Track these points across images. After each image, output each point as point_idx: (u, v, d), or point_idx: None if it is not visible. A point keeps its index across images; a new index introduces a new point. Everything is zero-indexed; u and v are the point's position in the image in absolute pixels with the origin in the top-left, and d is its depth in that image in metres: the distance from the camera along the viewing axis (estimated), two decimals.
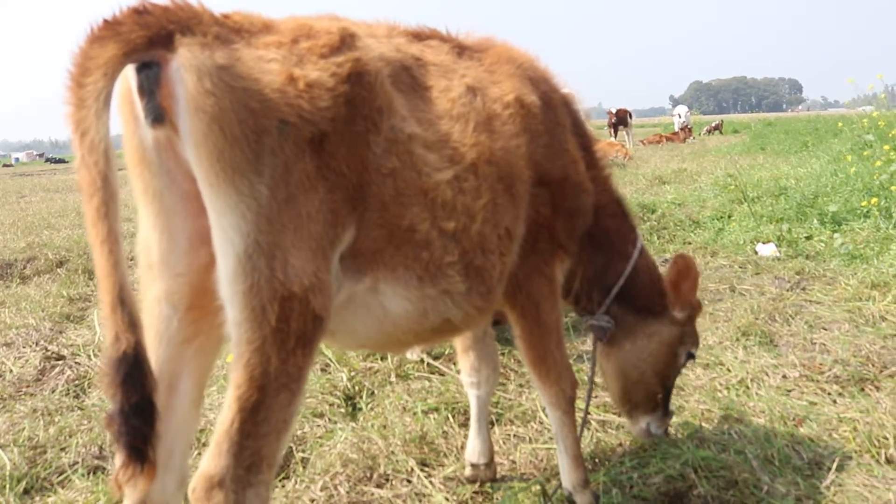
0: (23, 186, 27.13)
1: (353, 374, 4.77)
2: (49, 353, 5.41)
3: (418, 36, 2.75)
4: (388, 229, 2.24)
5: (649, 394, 3.41)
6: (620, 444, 3.80)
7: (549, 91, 3.02)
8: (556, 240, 2.98)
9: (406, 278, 2.34)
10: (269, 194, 1.90)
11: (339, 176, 2.05)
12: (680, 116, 39.21)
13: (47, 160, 33.83)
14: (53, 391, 4.74)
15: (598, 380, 4.61)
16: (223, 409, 1.93)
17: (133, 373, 1.77)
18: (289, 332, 1.93)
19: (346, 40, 2.15)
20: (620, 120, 33.95)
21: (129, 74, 1.87)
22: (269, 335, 1.90)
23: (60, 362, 5.27)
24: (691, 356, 3.47)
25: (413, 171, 2.28)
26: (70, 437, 3.97)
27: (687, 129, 37.72)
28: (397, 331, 2.46)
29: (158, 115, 1.85)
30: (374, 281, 2.28)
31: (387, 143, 2.20)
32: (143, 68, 1.84)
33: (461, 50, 2.84)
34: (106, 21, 1.80)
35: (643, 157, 24.08)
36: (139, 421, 1.77)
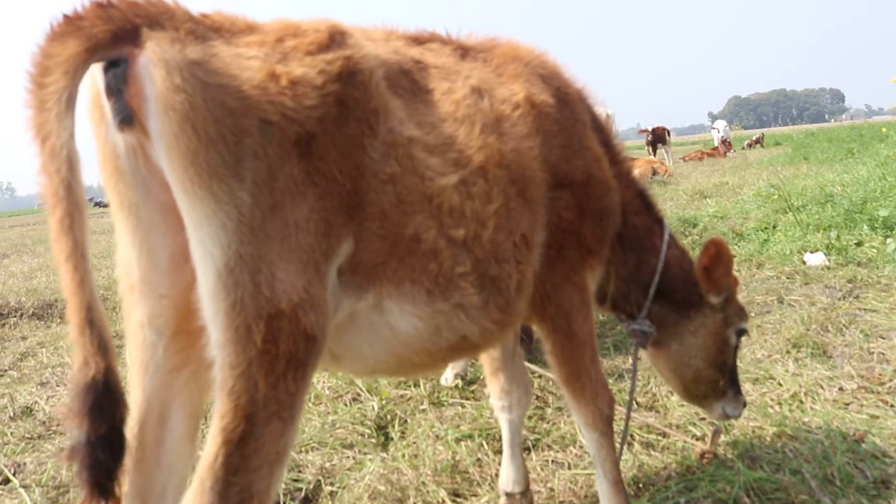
0: None
1: (384, 402, 4.61)
2: None
3: (417, 39, 2.61)
4: (390, 240, 2.07)
5: (711, 384, 3.25)
6: (665, 467, 3.56)
7: (562, 87, 2.85)
8: (585, 245, 2.79)
9: (414, 293, 2.17)
10: (252, 201, 1.74)
11: (331, 181, 1.89)
12: (719, 131, 38.60)
13: (96, 204, 34.34)
14: None
15: (639, 399, 4.39)
16: (207, 443, 1.75)
17: (102, 400, 1.60)
18: (277, 355, 1.76)
19: (335, 38, 2.01)
20: (658, 138, 33.47)
21: (96, 75, 1.73)
22: (256, 358, 1.73)
23: (67, 398, 5.19)
24: (743, 332, 3.30)
25: (415, 176, 2.12)
26: None
27: (727, 143, 37.06)
28: (409, 352, 2.28)
29: (126, 116, 1.70)
30: (378, 297, 2.11)
31: (385, 147, 2.04)
32: (110, 67, 1.70)
33: (464, 51, 2.69)
34: (66, 16, 1.66)
35: (683, 174, 23.64)
36: (106, 454, 1.60)
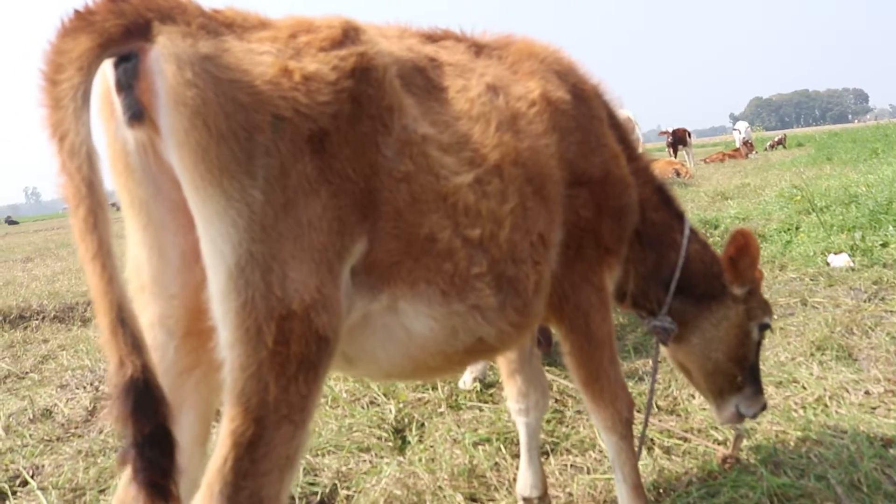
0: None
1: (401, 405, 4.58)
2: (100, 394, 5.41)
3: (431, 37, 2.58)
4: (405, 239, 2.04)
5: (729, 378, 3.18)
6: (686, 472, 3.49)
7: (578, 83, 2.80)
8: (603, 244, 2.75)
9: (429, 294, 2.13)
10: (264, 199, 1.71)
11: (345, 180, 1.86)
12: (740, 132, 38.23)
13: (119, 208, 34.55)
14: (101, 432, 4.68)
15: (660, 403, 4.33)
16: (216, 446, 1.72)
17: (143, 400, 1.56)
18: (288, 356, 1.73)
19: (349, 34, 1.97)
20: (679, 139, 33.25)
21: (106, 70, 1.71)
22: (266, 359, 1.70)
23: (108, 400, 5.21)
24: (766, 327, 3.24)
25: (430, 174, 2.08)
26: (111, 478, 3.86)
27: (748, 145, 36.70)
28: (424, 354, 2.24)
29: (136, 111, 1.68)
30: (393, 298, 2.07)
31: (399, 145, 2.01)
32: (120, 62, 1.68)
33: (479, 49, 2.66)
34: (77, 12, 1.64)
35: (705, 176, 23.43)
36: (156, 453, 1.55)
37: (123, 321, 1.58)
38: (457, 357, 2.36)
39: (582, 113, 2.71)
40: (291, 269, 1.74)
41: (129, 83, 1.67)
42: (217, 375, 1.88)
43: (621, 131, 3.01)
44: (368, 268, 2.00)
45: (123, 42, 1.65)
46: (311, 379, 1.79)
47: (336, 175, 1.84)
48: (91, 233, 1.57)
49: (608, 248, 2.77)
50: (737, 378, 3.17)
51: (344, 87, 1.87)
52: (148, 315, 1.90)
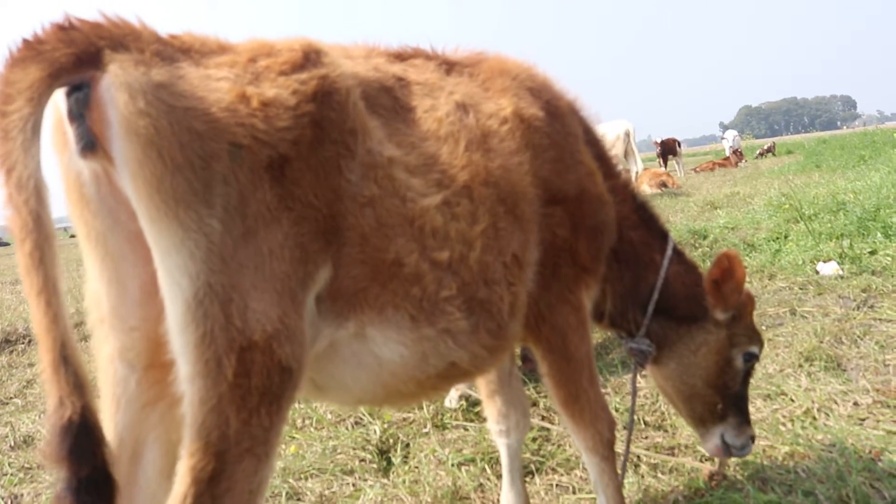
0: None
1: (386, 425, 4.52)
2: None
3: (400, 56, 2.54)
4: (370, 265, 1.99)
5: (709, 405, 3.05)
6: (672, 490, 3.44)
7: (552, 100, 2.76)
8: (580, 263, 2.70)
9: (397, 319, 2.08)
10: (223, 229, 1.67)
11: (307, 206, 1.82)
12: (729, 141, 38.39)
13: (69, 234, 34.52)
14: None
15: (647, 418, 4.27)
16: (176, 482, 1.68)
17: (81, 442, 1.51)
18: (250, 388, 1.69)
19: (310, 57, 1.94)
20: (669, 149, 33.38)
21: (58, 100, 1.67)
22: (227, 392, 1.66)
23: (44, 441, 5.14)
24: (752, 356, 3.07)
25: (395, 198, 2.04)
26: None
27: (738, 153, 36.83)
28: (395, 380, 2.19)
29: (89, 141, 1.64)
30: (360, 325, 2.03)
31: (363, 169, 1.97)
32: (72, 91, 1.64)
33: (450, 66, 2.62)
34: (26, 41, 1.60)
35: (694, 185, 23.48)
36: (92, 498, 1.51)
37: (66, 359, 1.54)
38: (430, 383, 2.31)
39: (556, 130, 2.67)
40: (252, 300, 1.70)
41: (81, 113, 1.64)
42: (180, 409, 1.82)
43: (598, 148, 2.98)
44: (334, 295, 1.95)
45: (74, 71, 1.62)
46: (273, 411, 1.75)
47: (297, 202, 1.81)
48: (37, 268, 1.54)
49: (585, 266, 2.72)
50: (717, 406, 3.04)
51: (304, 111, 1.84)
52: (108, 348, 1.86)
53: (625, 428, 3.42)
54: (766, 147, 45.83)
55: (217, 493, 1.66)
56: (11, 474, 4.39)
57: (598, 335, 5.78)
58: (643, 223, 3.12)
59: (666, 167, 31.63)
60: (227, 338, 1.66)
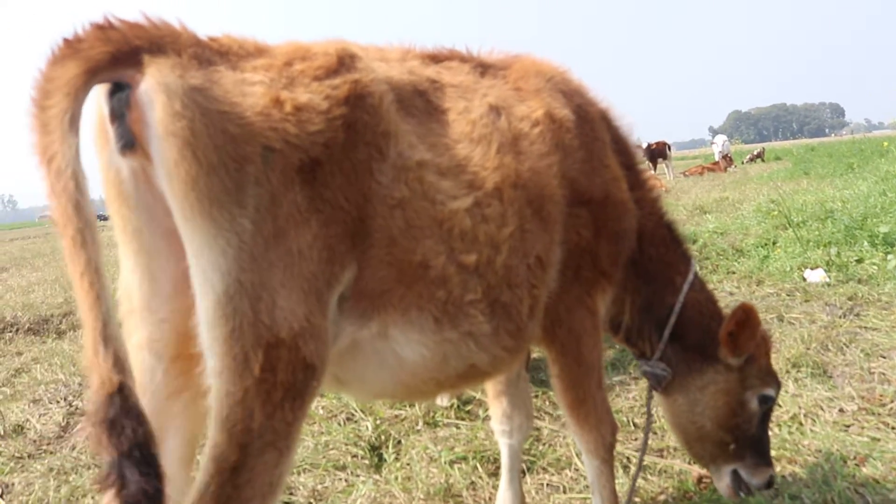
0: None
1: (378, 422, 4.55)
2: (73, 410, 5.33)
3: (435, 58, 2.57)
4: (397, 267, 2.03)
5: (719, 446, 2.95)
6: (662, 492, 3.50)
7: (583, 104, 2.79)
8: (600, 267, 2.72)
9: (421, 321, 2.12)
10: (254, 229, 1.73)
11: (336, 208, 1.87)
12: (718, 146, 38.57)
13: (97, 217, 34.17)
14: (73, 448, 4.61)
15: (636, 420, 4.33)
16: (199, 471, 1.73)
17: (119, 418, 1.54)
18: (275, 384, 1.74)
19: (344, 61, 1.99)
20: (659, 153, 33.51)
21: (101, 101, 1.75)
22: (253, 386, 1.71)
23: (84, 418, 5.13)
24: (768, 399, 2.97)
25: (425, 200, 2.08)
26: (83, 496, 3.81)
27: (727, 158, 37.02)
28: (415, 380, 2.24)
29: (128, 140, 1.71)
30: (383, 325, 2.07)
31: (394, 171, 2.01)
32: (115, 92, 1.71)
33: (484, 69, 2.65)
34: (66, 40, 1.68)
35: (683, 189, 23.60)
36: (133, 473, 1.50)
37: (107, 339, 1.58)
38: (449, 383, 2.37)
39: (585, 132, 2.70)
40: (280, 298, 1.75)
41: (122, 112, 1.71)
42: (204, 400, 1.88)
43: (628, 158, 2.98)
44: (358, 295, 1.99)
45: (111, 69, 1.68)
46: (296, 406, 1.80)
47: (327, 204, 1.85)
48: (79, 251, 1.59)
49: (604, 270, 2.74)
50: (729, 447, 2.93)
51: (336, 115, 1.88)
52: (137, 338, 1.91)
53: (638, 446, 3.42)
54: (755, 152, 46.11)
55: (239, 483, 1.71)
56: (2, 463, 4.39)
57: None
58: (667, 242, 3.08)
59: (655, 170, 31.78)
60: (254, 334, 1.71)
